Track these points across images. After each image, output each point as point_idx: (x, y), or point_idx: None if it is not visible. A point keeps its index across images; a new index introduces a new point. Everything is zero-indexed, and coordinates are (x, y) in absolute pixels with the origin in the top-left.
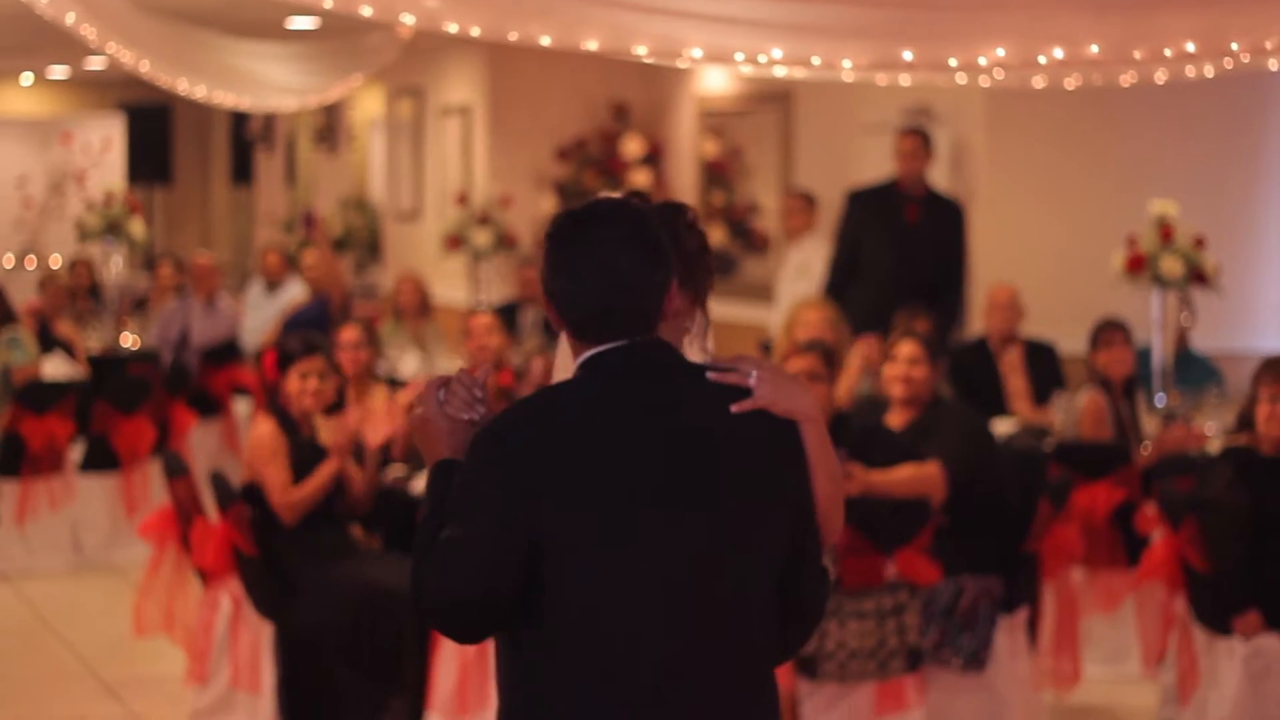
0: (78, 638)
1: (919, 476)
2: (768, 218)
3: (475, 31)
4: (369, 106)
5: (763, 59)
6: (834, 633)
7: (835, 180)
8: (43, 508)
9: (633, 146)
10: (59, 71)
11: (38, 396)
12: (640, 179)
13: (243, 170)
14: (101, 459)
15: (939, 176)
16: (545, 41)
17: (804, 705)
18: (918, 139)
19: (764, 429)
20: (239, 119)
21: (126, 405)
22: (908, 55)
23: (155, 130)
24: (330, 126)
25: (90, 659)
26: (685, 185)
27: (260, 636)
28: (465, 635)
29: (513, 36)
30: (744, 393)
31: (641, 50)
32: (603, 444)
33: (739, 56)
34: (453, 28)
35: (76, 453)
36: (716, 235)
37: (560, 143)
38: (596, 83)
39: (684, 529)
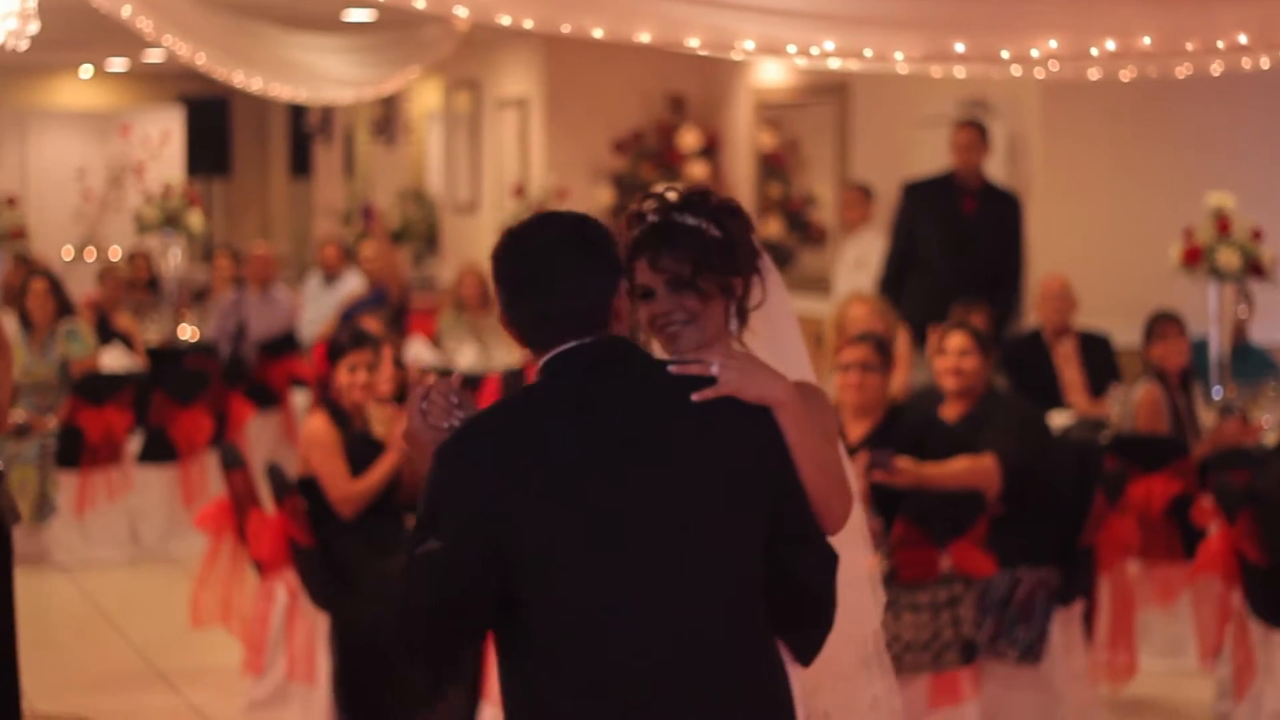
0: (135, 629)
1: (973, 468)
2: (824, 210)
3: (528, 24)
4: (427, 99)
5: (815, 51)
6: (888, 625)
7: (892, 172)
8: (101, 499)
9: (689, 139)
10: (118, 64)
11: (96, 388)
12: (697, 171)
13: (301, 162)
14: (159, 450)
15: (995, 169)
16: (598, 34)
17: None
18: (974, 131)
19: (730, 417)
20: (297, 111)
21: (184, 397)
22: (959, 47)
23: (214, 122)
24: (388, 119)
25: (147, 650)
26: (742, 177)
27: (316, 628)
28: (435, 647)
29: (565, 29)
30: (708, 382)
31: (694, 42)
32: (558, 448)
33: (791, 48)
34: (505, 20)
35: (135, 444)
36: (773, 227)
37: (617, 135)
38: (653, 75)
39: (648, 525)
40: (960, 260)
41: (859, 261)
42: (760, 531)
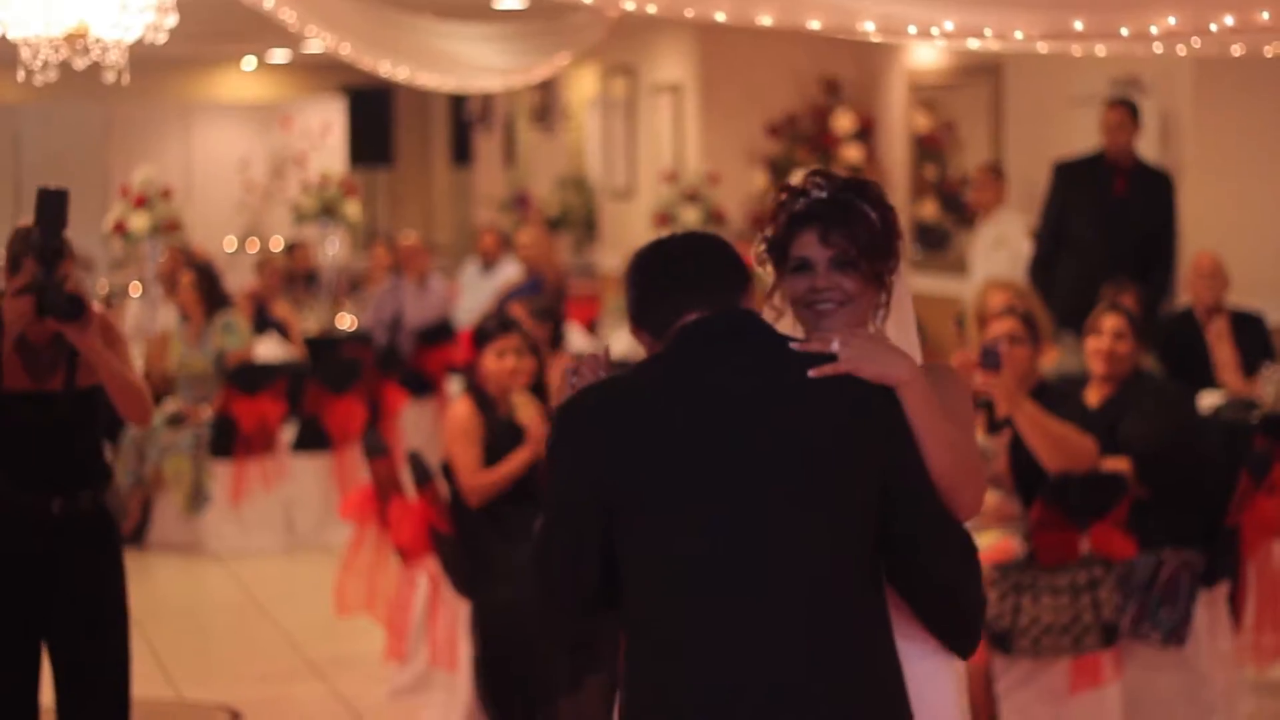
0: (286, 617)
1: (1071, 439)
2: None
3: (651, 9)
4: (585, 85)
5: (935, 31)
6: (1028, 608)
7: (1045, 153)
8: (256, 488)
9: (844, 122)
10: (280, 55)
11: (249, 378)
12: (852, 154)
13: (462, 151)
14: (314, 439)
15: (1147, 148)
16: (720, 17)
17: (999, 682)
18: (1125, 110)
19: (847, 393)
20: (458, 100)
21: (338, 386)
22: (1078, 25)
23: (376, 112)
24: (547, 106)
25: (297, 638)
26: (897, 160)
27: (458, 615)
28: (564, 611)
29: (689, 14)
30: (830, 359)
31: (815, 24)
32: (663, 409)
33: (911, 29)
34: (651, 9)
35: (290, 433)
36: (928, 209)
37: (771, 119)
38: (807, 58)
39: (743, 489)
40: (1111, 241)
41: (998, 241)
42: (866, 508)
